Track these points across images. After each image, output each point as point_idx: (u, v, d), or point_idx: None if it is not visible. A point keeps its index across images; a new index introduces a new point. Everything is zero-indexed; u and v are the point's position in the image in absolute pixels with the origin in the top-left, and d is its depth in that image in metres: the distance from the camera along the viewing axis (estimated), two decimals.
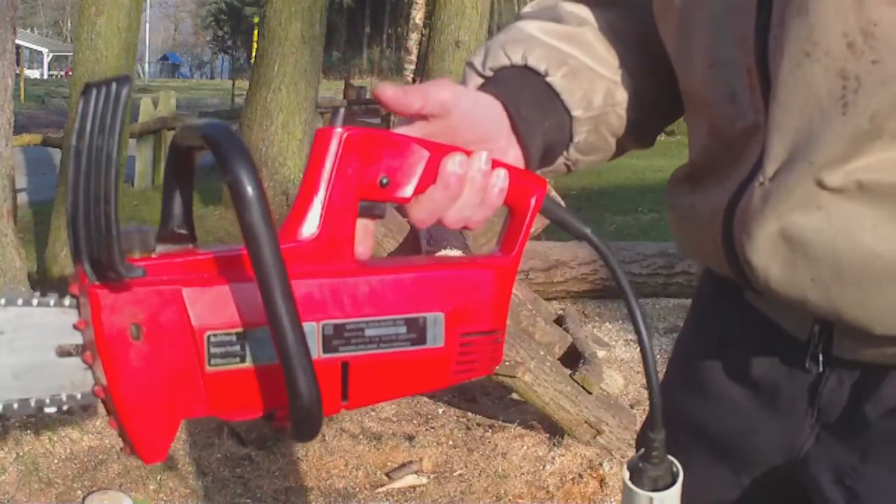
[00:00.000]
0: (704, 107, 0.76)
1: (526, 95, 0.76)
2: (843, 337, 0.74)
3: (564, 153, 0.81)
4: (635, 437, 3.05)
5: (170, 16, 68.92)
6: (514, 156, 0.75)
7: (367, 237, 0.66)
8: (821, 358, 0.76)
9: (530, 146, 0.75)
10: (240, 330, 0.59)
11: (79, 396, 0.58)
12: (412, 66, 10.77)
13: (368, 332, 0.63)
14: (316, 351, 0.60)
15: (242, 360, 0.59)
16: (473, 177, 0.67)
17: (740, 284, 0.80)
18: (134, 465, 2.82)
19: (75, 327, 0.57)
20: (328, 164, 0.63)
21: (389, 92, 0.68)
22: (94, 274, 0.55)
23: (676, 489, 0.76)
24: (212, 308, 0.58)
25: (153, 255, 0.59)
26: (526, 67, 0.77)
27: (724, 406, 0.84)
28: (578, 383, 2.98)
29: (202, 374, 0.58)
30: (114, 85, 0.54)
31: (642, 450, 0.76)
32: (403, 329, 0.65)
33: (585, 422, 2.96)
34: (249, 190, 0.55)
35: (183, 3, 67.91)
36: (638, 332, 0.73)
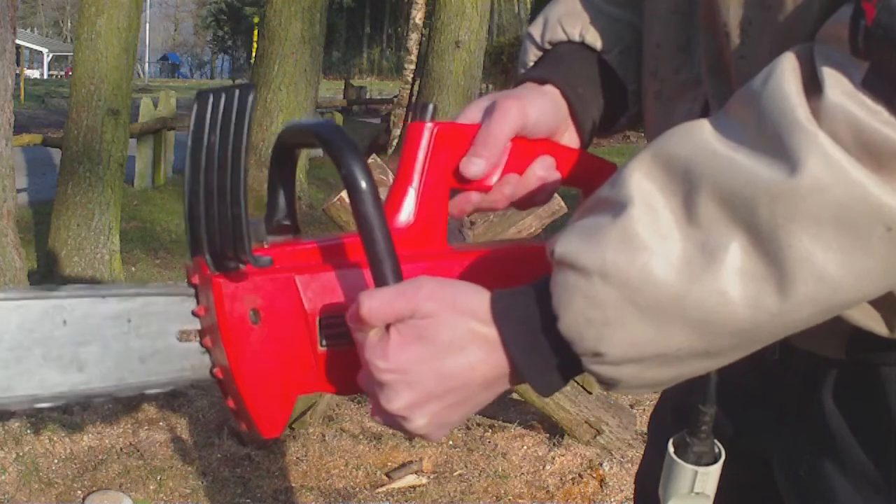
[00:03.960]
0: (655, 48, 0.76)
1: (582, 73, 0.79)
2: None
3: (620, 121, 0.84)
4: (636, 435, 3.02)
5: (170, 16, 68.91)
6: (571, 134, 0.79)
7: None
8: (778, 346, 0.76)
9: (584, 123, 0.79)
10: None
11: (197, 378, 0.64)
12: (412, 66, 10.77)
13: None
14: None
15: (351, 340, 0.63)
16: (542, 177, 0.74)
17: None
18: (134, 466, 2.82)
19: (194, 314, 0.63)
20: (420, 157, 0.69)
21: (473, 171, 0.71)
22: (214, 265, 0.60)
23: (717, 467, 0.77)
24: (322, 293, 0.63)
25: (265, 246, 0.65)
26: (583, 44, 0.80)
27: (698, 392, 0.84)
28: (578, 383, 2.98)
29: (314, 353, 0.63)
30: (237, 92, 0.59)
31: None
32: None
33: (585, 422, 2.96)
34: (363, 183, 0.61)
35: (183, 3, 67.91)
36: None
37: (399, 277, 0.60)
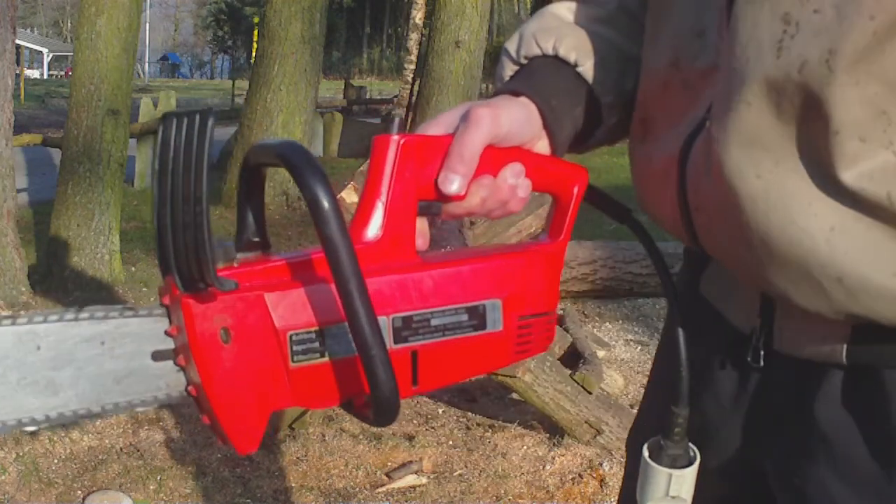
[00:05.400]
0: (672, 39, 0.75)
1: (556, 85, 0.79)
2: (783, 330, 0.74)
3: (596, 134, 0.83)
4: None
5: (170, 16, 68.89)
6: (543, 145, 0.79)
7: (424, 234, 0.72)
8: (762, 353, 0.75)
9: (558, 135, 0.78)
10: (318, 328, 0.64)
11: (173, 396, 0.63)
12: (412, 66, 10.76)
13: (434, 322, 0.69)
14: (388, 342, 0.66)
15: (322, 355, 0.64)
16: (512, 185, 0.74)
17: (694, 274, 0.82)
18: (134, 466, 2.82)
19: (167, 334, 0.62)
20: (387, 170, 0.68)
21: (453, 189, 0.71)
22: (183, 285, 0.60)
23: (693, 469, 0.77)
24: (292, 309, 0.63)
25: (235, 265, 0.64)
26: (557, 57, 0.80)
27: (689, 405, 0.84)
28: (578, 383, 2.98)
29: (286, 370, 0.63)
30: (197, 116, 0.59)
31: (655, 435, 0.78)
32: (465, 317, 0.70)
33: (585, 422, 2.96)
34: (326, 204, 0.60)
35: (183, 3, 67.89)
36: (672, 312, 0.80)
37: (365, 296, 0.61)
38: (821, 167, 0.62)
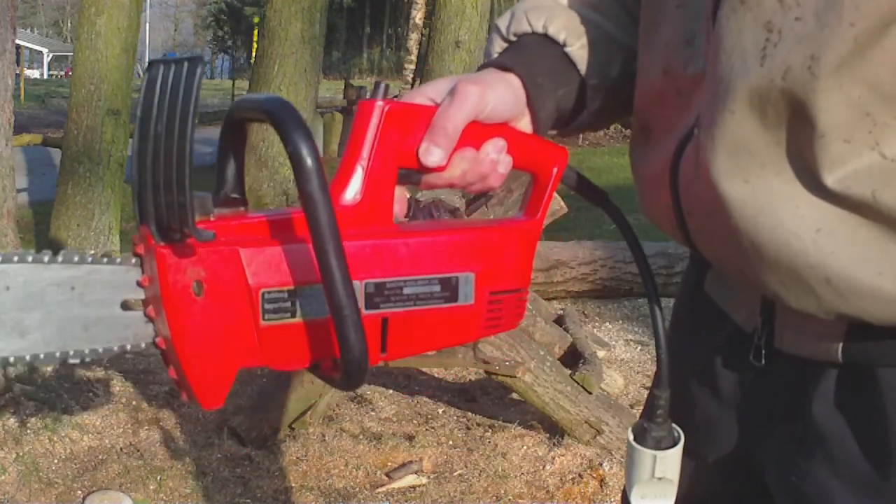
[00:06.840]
0: (664, 47, 0.76)
1: (543, 63, 0.80)
2: (783, 329, 0.74)
3: (579, 118, 0.83)
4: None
5: (170, 16, 68.88)
6: (526, 122, 0.79)
7: (402, 201, 0.72)
8: (763, 352, 0.76)
9: (540, 112, 0.79)
10: (291, 287, 0.63)
11: (141, 346, 0.63)
12: (412, 66, 10.78)
13: (406, 291, 0.68)
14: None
15: (293, 315, 0.64)
16: (493, 160, 0.74)
17: (699, 273, 0.82)
18: (134, 466, 2.82)
19: (139, 284, 0.62)
20: (370, 135, 0.68)
21: (433, 161, 0.71)
22: (159, 235, 0.59)
23: (677, 450, 0.77)
24: (266, 267, 0.63)
25: (211, 218, 0.64)
26: (546, 36, 0.81)
27: (686, 402, 0.84)
28: (578, 383, 2.98)
29: (257, 327, 0.63)
30: (186, 63, 0.58)
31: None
32: (438, 287, 0.70)
33: (585, 422, 2.96)
34: (309, 161, 0.60)
35: (183, 3, 67.89)
36: (649, 295, 0.80)
37: (342, 256, 0.60)
38: (807, 170, 0.62)
